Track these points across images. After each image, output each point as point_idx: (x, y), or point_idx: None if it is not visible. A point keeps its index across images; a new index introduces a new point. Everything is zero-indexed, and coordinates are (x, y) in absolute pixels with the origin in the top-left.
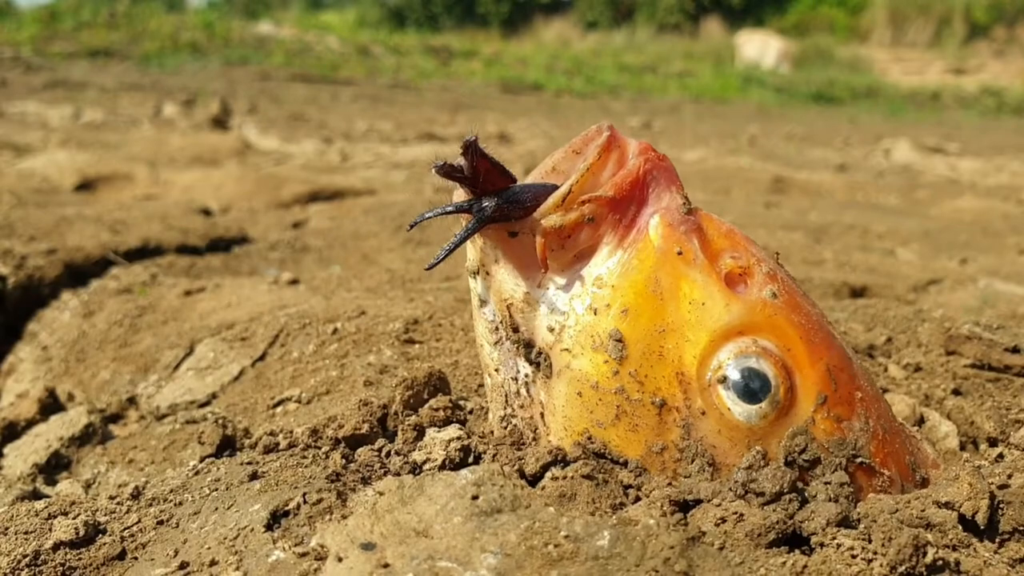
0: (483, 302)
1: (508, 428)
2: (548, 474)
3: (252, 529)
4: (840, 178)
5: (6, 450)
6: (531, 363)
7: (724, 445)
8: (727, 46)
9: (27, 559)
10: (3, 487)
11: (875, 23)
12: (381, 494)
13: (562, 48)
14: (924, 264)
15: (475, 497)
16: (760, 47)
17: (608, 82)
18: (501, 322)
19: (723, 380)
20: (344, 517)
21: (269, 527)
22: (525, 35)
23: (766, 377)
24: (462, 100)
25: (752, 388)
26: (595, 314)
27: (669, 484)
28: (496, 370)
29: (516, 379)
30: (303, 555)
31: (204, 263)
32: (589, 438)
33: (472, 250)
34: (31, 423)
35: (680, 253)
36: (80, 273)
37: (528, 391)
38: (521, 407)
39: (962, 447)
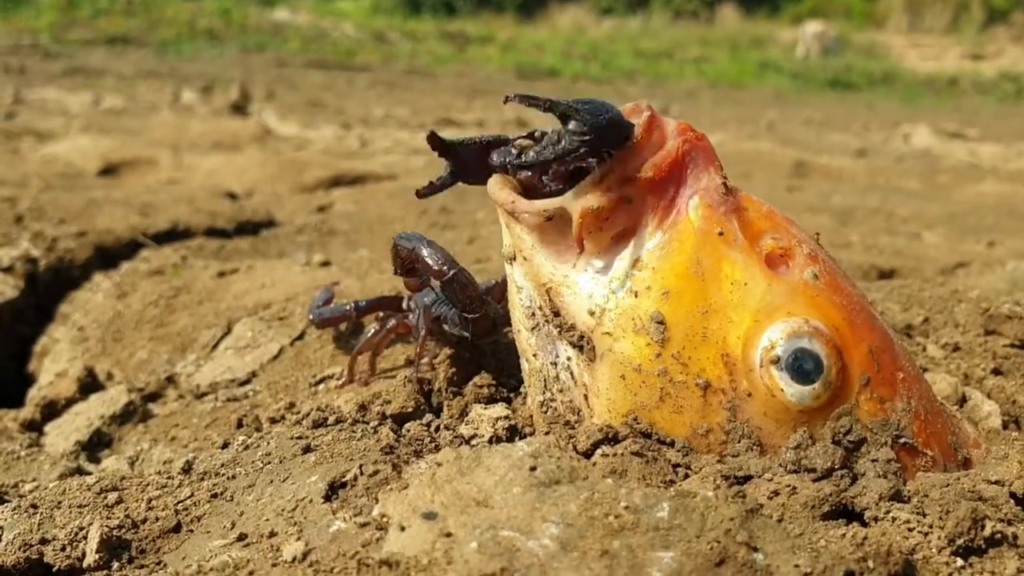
0: (520, 288)
1: (547, 412)
2: (599, 451)
3: (311, 500)
4: (861, 163)
5: (47, 428)
6: (574, 347)
7: (770, 427)
8: (743, 32)
9: (84, 532)
10: (48, 464)
11: (892, 9)
12: (439, 464)
13: (578, 34)
14: (951, 247)
15: (533, 468)
16: (822, 33)
17: (624, 68)
18: (539, 307)
19: (776, 361)
20: (403, 488)
21: (328, 498)
22: (540, 21)
23: (819, 358)
24: (478, 86)
25: (806, 369)
26: (636, 296)
27: (719, 462)
28: (534, 355)
29: (556, 364)
30: (364, 525)
31: (233, 246)
32: (635, 419)
33: (507, 236)
34: (71, 402)
35: (721, 234)
36: (111, 255)
37: (570, 375)
38: (560, 391)
39: (1004, 426)
